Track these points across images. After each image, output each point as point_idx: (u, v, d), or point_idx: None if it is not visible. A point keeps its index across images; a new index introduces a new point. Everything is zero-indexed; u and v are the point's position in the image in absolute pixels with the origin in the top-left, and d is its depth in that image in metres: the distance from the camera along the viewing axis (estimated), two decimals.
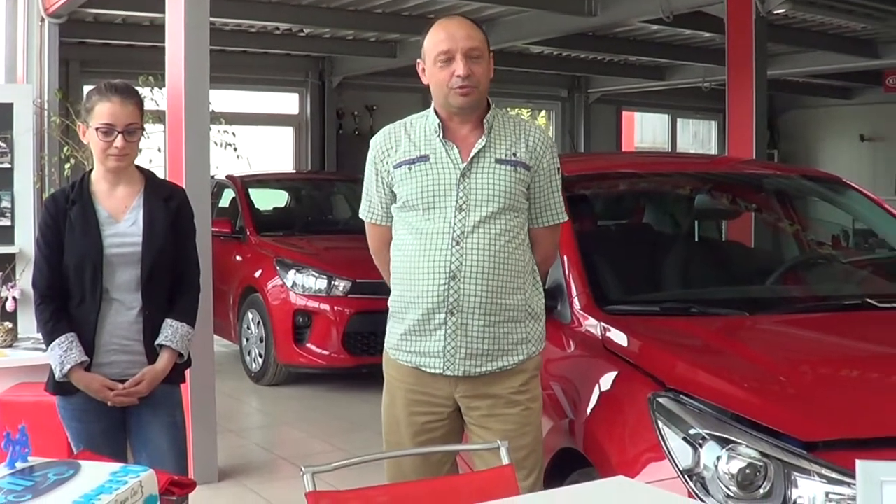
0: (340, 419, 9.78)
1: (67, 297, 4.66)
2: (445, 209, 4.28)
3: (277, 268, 11.29)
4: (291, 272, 11.14)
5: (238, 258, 12.08)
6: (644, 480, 3.91)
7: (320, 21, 15.22)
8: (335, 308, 10.87)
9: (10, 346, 7.06)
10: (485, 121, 4.38)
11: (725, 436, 3.90)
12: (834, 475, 3.65)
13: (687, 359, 4.61)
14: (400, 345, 4.44)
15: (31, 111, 10.42)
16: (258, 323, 11.42)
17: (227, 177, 13.18)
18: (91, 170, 4.82)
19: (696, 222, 7.17)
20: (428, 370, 4.37)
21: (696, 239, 7.14)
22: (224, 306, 11.73)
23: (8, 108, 10.04)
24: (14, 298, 7.81)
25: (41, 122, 11.06)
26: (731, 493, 3.79)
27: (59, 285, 4.65)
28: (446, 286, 4.25)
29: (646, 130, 26.58)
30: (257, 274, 11.59)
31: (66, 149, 10.82)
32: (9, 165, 9.96)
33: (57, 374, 4.62)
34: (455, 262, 4.24)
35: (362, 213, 4.64)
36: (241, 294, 11.85)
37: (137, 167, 4.86)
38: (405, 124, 4.49)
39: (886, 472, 2.52)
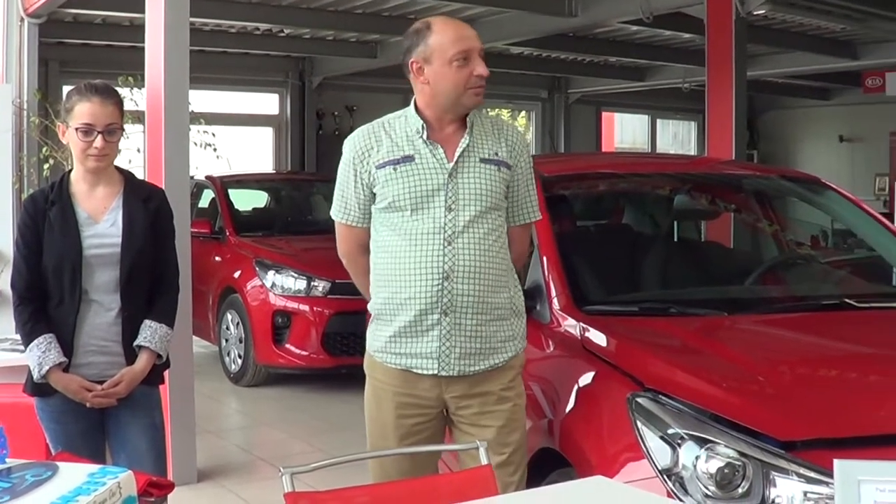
0: (320, 420, 9.78)
1: (46, 298, 4.64)
2: (434, 209, 4.27)
3: (257, 268, 11.27)
4: (271, 273, 11.13)
5: (217, 259, 12.06)
6: (623, 480, 3.92)
7: (300, 21, 15.22)
8: (314, 309, 10.86)
9: None
10: (468, 120, 4.38)
11: (704, 435, 3.91)
12: (812, 474, 3.66)
13: (666, 359, 4.62)
14: (388, 347, 4.41)
15: (10, 111, 10.40)
16: (237, 324, 11.40)
17: (207, 177, 13.14)
18: (70, 170, 4.80)
19: (676, 223, 7.19)
20: (420, 371, 4.36)
21: (676, 239, 7.15)
22: (203, 307, 11.70)
23: None
24: None
25: (20, 123, 11.05)
26: (709, 493, 3.80)
27: (37, 286, 4.63)
28: (440, 286, 4.24)
29: (626, 131, 26.64)
30: (236, 274, 11.57)
31: (45, 149, 10.81)
32: None
33: (35, 375, 4.60)
34: (448, 263, 4.24)
35: (335, 214, 4.57)
36: (221, 295, 11.82)
37: (117, 168, 4.84)
38: (383, 124, 4.46)
39: (864, 472, 2.53)
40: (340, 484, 3.52)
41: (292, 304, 10.95)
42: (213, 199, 13.04)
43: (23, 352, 4.74)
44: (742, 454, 3.80)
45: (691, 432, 3.94)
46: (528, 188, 4.53)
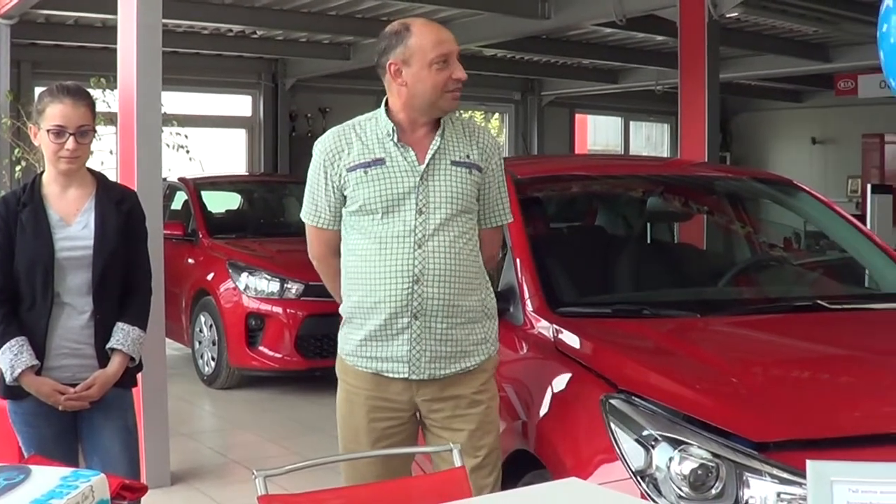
0: (293, 422, 9.76)
1: (18, 301, 4.61)
2: (405, 212, 4.25)
3: (230, 270, 11.23)
4: (244, 275, 11.10)
5: (190, 261, 12.02)
6: (597, 482, 3.92)
7: (273, 23, 15.21)
8: (288, 311, 10.83)
9: None
10: (442, 122, 4.36)
11: (677, 437, 3.91)
12: (785, 475, 3.67)
13: (639, 360, 4.63)
14: (359, 351, 4.40)
15: None
16: (210, 326, 11.37)
17: (180, 179, 13.11)
18: (42, 172, 4.77)
19: (649, 225, 7.20)
20: (390, 375, 4.34)
21: (649, 241, 7.16)
22: (176, 309, 11.66)
23: None
24: None
25: None
26: (683, 494, 3.80)
27: (9, 289, 4.60)
28: (410, 290, 4.22)
29: (599, 133, 26.70)
30: (209, 277, 11.54)
31: (17, 151, 10.77)
32: None
33: (7, 378, 4.57)
34: (418, 266, 4.22)
35: (306, 217, 4.54)
36: (194, 297, 11.78)
37: (89, 170, 4.82)
38: (354, 126, 4.43)
39: (836, 472, 2.54)
40: (314, 486, 3.52)
41: (266, 307, 10.92)
42: (185, 201, 12.99)
43: None
44: (715, 455, 3.81)
45: (665, 433, 3.95)
46: (500, 191, 4.51)
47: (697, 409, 4.03)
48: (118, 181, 6.21)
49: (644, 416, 4.06)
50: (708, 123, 10.86)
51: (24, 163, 10.84)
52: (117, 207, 4.73)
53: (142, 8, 7.28)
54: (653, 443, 3.95)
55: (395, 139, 4.31)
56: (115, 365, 4.68)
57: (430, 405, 4.39)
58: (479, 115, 22.84)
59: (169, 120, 10.12)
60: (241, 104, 19.69)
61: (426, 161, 4.29)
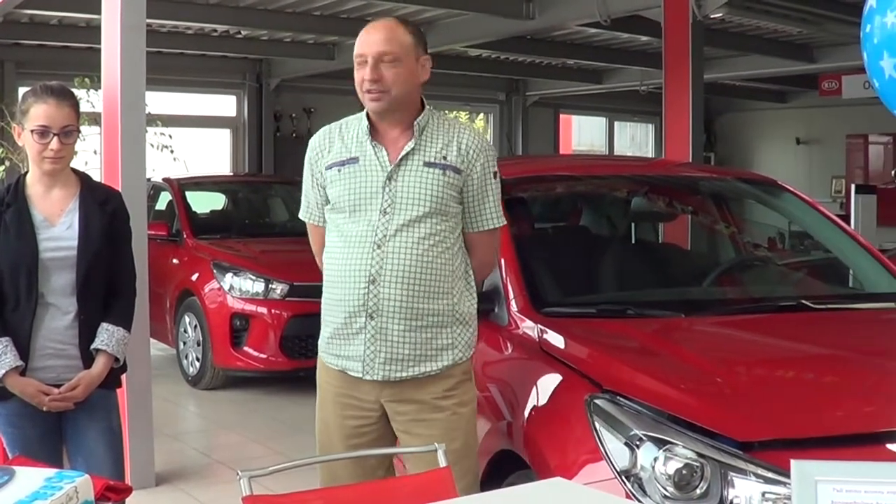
0: (278, 422, 9.75)
1: (2, 302, 4.60)
2: (370, 212, 4.26)
3: (214, 271, 11.20)
4: (228, 275, 11.07)
5: (175, 261, 11.99)
6: (582, 482, 3.92)
7: (258, 23, 15.20)
8: (272, 311, 10.81)
9: None
10: (416, 123, 4.34)
11: (662, 437, 3.92)
12: (770, 475, 3.67)
13: (624, 360, 4.63)
14: (327, 348, 4.43)
15: None
16: (195, 326, 11.34)
17: (164, 179, 13.08)
18: (26, 172, 4.76)
19: (633, 225, 7.20)
20: (351, 374, 4.35)
21: (633, 241, 7.16)
22: (161, 310, 11.64)
23: None
24: None
25: None
26: (668, 494, 3.80)
27: None
28: (366, 290, 4.22)
29: (583, 133, 26.74)
30: (194, 277, 11.51)
31: (0, 151, 10.74)
32: None
33: None
34: (375, 266, 4.21)
35: (302, 214, 4.62)
36: (178, 297, 11.75)
37: (73, 170, 4.81)
38: (340, 125, 4.46)
39: (821, 472, 2.54)
40: (298, 487, 3.52)
41: (250, 307, 10.90)
42: (170, 202, 12.96)
43: None
44: (700, 455, 3.81)
45: (649, 433, 3.95)
46: (486, 193, 4.43)
47: (682, 409, 4.04)
48: (102, 181, 6.20)
49: (629, 416, 4.06)
50: (692, 124, 10.87)
51: (7, 163, 10.82)
52: (101, 208, 4.72)
53: (126, 8, 7.26)
54: (637, 443, 3.95)
55: (371, 138, 4.32)
56: (100, 365, 4.67)
57: (394, 407, 4.38)
58: (463, 116, 22.83)
59: (153, 120, 10.12)
60: (225, 104, 19.67)
61: (397, 160, 4.28)
